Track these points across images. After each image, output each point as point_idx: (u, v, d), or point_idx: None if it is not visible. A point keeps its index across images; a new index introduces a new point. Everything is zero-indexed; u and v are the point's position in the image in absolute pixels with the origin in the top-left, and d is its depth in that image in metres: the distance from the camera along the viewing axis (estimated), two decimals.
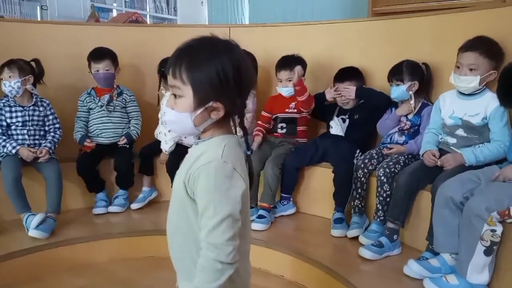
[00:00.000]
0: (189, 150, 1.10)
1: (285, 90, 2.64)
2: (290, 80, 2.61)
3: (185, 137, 2.61)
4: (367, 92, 2.56)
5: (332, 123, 2.62)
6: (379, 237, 2.08)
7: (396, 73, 2.33)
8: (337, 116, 2.63)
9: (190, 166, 1.00)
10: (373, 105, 2.51)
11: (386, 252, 2.03)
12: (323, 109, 2.70)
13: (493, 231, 1.59)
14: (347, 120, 2.59)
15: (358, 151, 2.44)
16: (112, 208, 2.63)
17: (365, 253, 2.01)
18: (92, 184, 2.67)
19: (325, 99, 2.67)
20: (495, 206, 1.60)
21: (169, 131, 2.59)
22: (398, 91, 2.32)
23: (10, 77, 2.40)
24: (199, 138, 1.06)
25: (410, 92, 2.30)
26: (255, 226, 2.34)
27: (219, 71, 0.96)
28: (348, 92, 2.55)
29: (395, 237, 2.06)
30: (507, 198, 1.62)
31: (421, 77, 2.32)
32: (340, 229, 2.28)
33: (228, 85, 0.97)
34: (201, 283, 0.96)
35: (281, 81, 2.65)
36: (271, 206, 2.47)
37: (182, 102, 1.00)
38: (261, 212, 2.41)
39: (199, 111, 0.99)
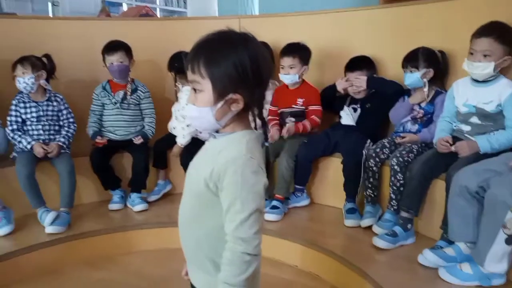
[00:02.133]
0: (206, 143, 1.11)
1: (287, 77, 2.62)
2: (292, 68, 2.60)
3: (200, 132, 2.60)
4: (378, 81, 2.54)
5: (342, 113, 2.61)
6: (393, 227, 2.07)
7: (412, 60, 2.29)
8: (349, 106, 2.61)
9: (211, 160, 1.01)
10: (385, 94, 2.48)
11: (400, 242, 2.02)
12: (334, 101, 2.68)
13: None
14: (359, 110, 2.57)
15: (368, 141, 2.42)
16: (137, 207, 2.59)
17: (379, 242, 2.01)
18: (107, 181, 2.70)
19: (336, 91, 2.64)
20: None
21: (187, 125, 2.60)
22: (412, 77, 2.29)
23: (23, 73, 2.43)
24: (217, 132, 1.07)
25: (424, 80, 2.27)
26: (269, 217, 2.35)
27: (236, 64, 0.97)
28: (359, 82, 2.52)
29: (409, 226, 2.05)
30: None
31: (436, 65, 2.28)
32: (353, 219, 2.28)
33: (246, 77, 0.98)
34: (230, 277, 0.97)
35: (283, 68, 2.64)
36: (285, 197, 2.48)
37: (202, 96, 1.01)
38: (275, 203, 2.42)
39: (219, 104, 1.00)
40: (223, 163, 0.97)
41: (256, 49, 1.00)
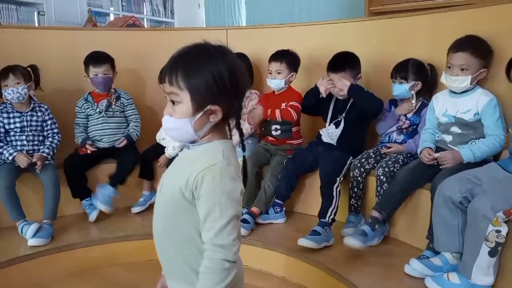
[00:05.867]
0: (180, 154, 1.11)
1: (274, 82, 2.63)
2: (279, 73, 2.61)
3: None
4: (360, 93, 2.34)
5: (322, 132, 2.50)
6: (378, 235, 2.09)
7: (401, 71, 2.30)
8: (333, 113, 2.48)
9: (186, 169, 1.01)
10: (362, 109, 2.35)
11: (369, 242, 2.01)
12: (318, 105, 2.53)
13: (498, 231, 1.58)
14: (342, 123, 2.43)
15: (350, 158, 2.36)
16: (101, 206, 2.52)
17: (351, 241, 1.96)
18: (77, 190, 2.60)
19: (318, 95, 2.46)
20: (500, 205, 1.59)
21: None
22: (400, 89, 2.30)
23: (17, 83, 2.40)
24: (192, 143, 1.07)
25: (412, 92, 2.29)
26: None
27: (215, 75, 0.98)
28: (341, 84, 2.34)
29: (376, 226, 2.04)
30: None
31: (425, 77, 2.30)
32: (312, 241, 2.10)
33: (224, 88, 0.99)
34: (209, 286, 0.97)
35: (271, 73, 2.64)
36: (260, 212, 2.44)
37: (180, 108, 1.01)
38: (246, 216, 2.36)
39: (198, 116, 1.01)
40: (200, 171, 0.98)
41: (233, 61, 1.02)
